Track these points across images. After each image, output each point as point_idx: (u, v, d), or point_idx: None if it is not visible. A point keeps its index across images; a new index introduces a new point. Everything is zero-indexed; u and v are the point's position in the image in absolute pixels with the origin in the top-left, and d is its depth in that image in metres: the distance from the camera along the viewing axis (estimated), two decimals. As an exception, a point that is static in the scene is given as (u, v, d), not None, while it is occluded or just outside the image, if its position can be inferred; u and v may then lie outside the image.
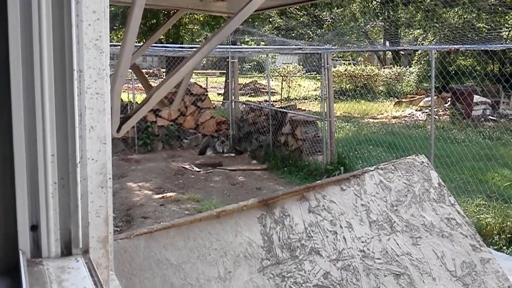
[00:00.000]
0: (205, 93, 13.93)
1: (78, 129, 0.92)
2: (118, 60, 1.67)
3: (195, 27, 21.81)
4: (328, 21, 23.16)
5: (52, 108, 0.89)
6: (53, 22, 0.88)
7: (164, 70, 26.83)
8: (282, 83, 25.05)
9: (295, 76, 27.20)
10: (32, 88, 0.88)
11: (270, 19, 24.13)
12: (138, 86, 13.76)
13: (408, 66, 27.59)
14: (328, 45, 13.38)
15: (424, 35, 23.32)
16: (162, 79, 2.04)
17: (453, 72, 16.83)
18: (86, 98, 0.93)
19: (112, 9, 16.78)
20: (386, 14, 25.22)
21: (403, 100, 21.65)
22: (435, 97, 10.17)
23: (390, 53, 32.72)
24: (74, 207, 0.93)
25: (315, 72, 26.46)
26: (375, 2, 24.86)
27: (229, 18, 1.80)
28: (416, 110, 19.20)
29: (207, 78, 29.03)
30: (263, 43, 20.21)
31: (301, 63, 30.19)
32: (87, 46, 0.92)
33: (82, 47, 0.91)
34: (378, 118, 17.99)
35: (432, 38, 21.56)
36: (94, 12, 0.92)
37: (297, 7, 20.03)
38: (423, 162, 2.71)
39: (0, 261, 0.90)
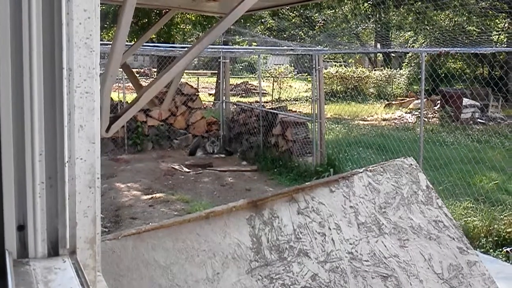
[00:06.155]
0: (196, 93, 13.91)
1: (66, 128, 0.91)
2: (109, 59, 1.66)
3: (187, 27, 21.77)
4: (320, 22, 23.20)
5: (40, 106, 0.89)
6: (43, 20, 0.88)
7: (155, 69, 26.75)
8: (273, 84, 25.07)
9: (286, 77, 27.23)
10: (21, 86, 0.87)
11: (262, 20, 24.14)
12: (128, 86, 13.69)
13: (398, 69, 27.74)
14: (319, 46, 13.40)
15: (415, 38, 23.45)
16: (153, 79, 2.03)
17: (443, 74, 16.96)
18: (75, 97, 0.92)
19: (103, 7, 16.71)
20: (377, 16, 25.34)
21: (393, 102, 21.77)
22: (424, 100, 10.24)
23: (381, 55, 32.87)
24: (61, 207, 0.93)
25: (306, 74, 26.49)
26: (366, 4, 24.96)
27: (221, 18, 1.79)
28: (405, 113, 19.32)
29: (198, 78, 28.99)
30: (254, 43, 20.19)
31: (292, 64, 30.23)
32: (77, 44, 0.91)
33: (72, 45, 0.91)
34: (368, 120, 18.06)
35: (423, 41, 21.69)
36: (85, 11, 0.91)
37: (289, 8, 20.06)
38: (411, 164, 2.72)
39: (-14, 261, 0.90)
